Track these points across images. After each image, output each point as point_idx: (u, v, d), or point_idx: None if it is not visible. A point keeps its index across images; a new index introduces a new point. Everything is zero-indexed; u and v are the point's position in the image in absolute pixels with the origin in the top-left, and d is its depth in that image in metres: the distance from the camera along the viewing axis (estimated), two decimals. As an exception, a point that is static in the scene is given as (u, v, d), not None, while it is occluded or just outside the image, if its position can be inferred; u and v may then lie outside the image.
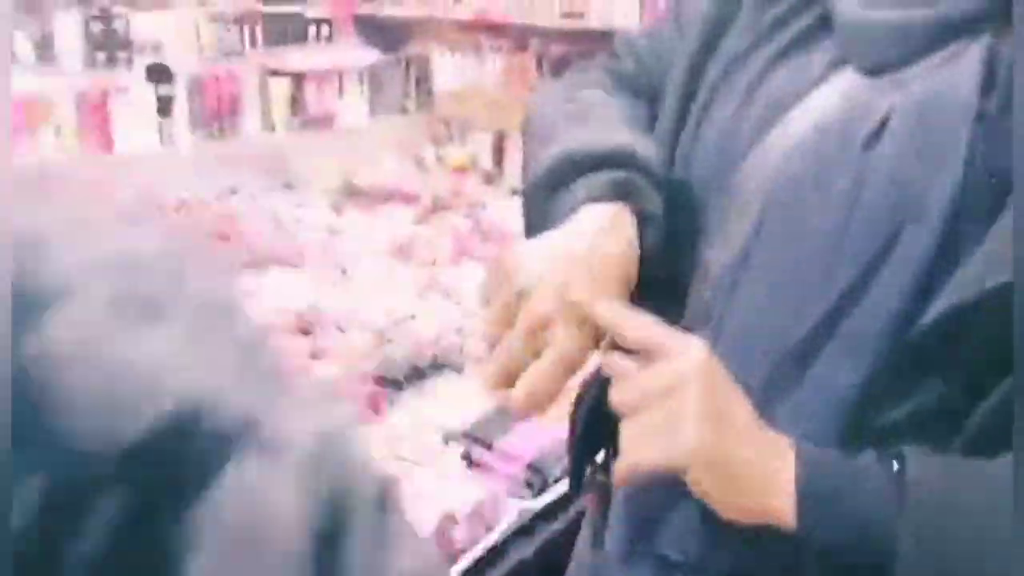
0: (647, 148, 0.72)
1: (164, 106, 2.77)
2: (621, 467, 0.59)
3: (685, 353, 0.59)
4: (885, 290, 0.60)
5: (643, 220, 0.69)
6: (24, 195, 0.28)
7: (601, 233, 0.66)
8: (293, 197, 3.00)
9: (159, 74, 2.76)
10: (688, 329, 0.65)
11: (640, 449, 0.59)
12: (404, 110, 3.68)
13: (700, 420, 0.57)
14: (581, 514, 0.87)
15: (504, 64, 3.46)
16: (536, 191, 0.73)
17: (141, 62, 2.79)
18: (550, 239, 0.68)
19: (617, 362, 0.62)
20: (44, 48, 2.61)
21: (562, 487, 1.45)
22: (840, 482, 0.58)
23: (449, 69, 3.58)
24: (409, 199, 3.12)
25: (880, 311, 0.60)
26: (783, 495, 0.57)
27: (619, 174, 0.69)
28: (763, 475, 0.58)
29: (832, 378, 0.62)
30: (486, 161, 3.77)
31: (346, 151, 3.41)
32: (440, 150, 3.79)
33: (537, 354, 0.63)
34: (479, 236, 2.83)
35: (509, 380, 0.64)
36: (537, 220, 0.72)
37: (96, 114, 2.61)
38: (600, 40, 3.34)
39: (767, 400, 0.62)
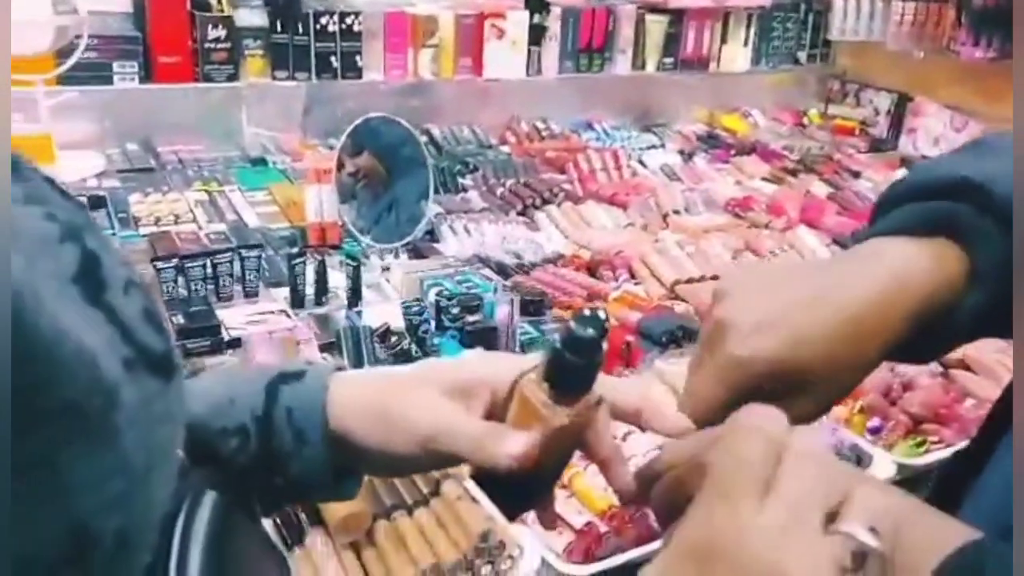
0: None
1: (536, 35, 2.82)
2: None
3: None
4: None
5: (965, 247, 0.57)
6: None
7: (850, 273, 0.56)
8: (647, 139, 2.91)
9: (537, 2, 2.81)
10: None
11: None
12: (794, 60, 3.36)
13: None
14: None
15: (917, 16, 2.99)
16: (874, 211, 0.63)
17: (526, -9, 2.85)
18: (781, 268, 0.58)
19: None
20: (440, -28, 2.78)
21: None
22: None
23: (852, 18, 3.18)
24: (771, 156, 2.86)
25: None
26: None
27: (944, 205, 0.57)
28: None
29: None
30: (880, 127, 3.33)
31: (718, 98, 3.22)
32: (828, 108, 3.42)
33: None
34: (836, 207, 2.50)
35: None
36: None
37: (472, 38, 2.74)
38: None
39: None
